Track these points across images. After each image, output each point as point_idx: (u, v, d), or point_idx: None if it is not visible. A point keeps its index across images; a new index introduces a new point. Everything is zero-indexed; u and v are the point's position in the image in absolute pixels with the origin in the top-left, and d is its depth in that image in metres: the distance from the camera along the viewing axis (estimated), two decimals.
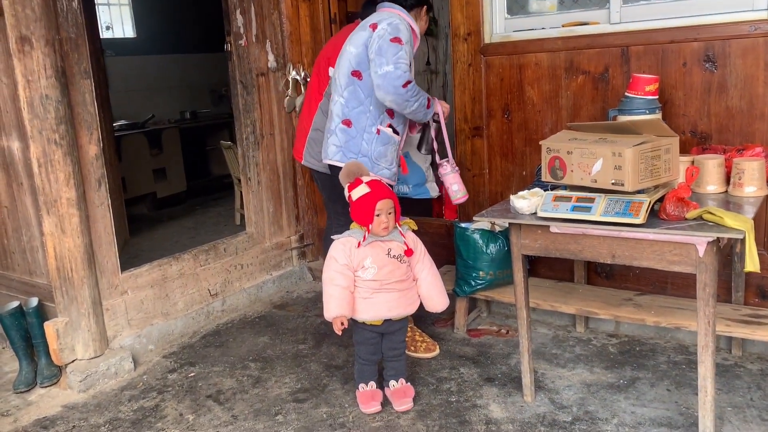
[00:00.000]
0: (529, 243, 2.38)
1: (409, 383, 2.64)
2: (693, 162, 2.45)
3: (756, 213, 2.17)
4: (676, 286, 2.91)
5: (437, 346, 3.00)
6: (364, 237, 2.42)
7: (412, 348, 2.97)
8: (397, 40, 2.61)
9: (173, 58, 7.41)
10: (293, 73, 3.79)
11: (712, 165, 2.39)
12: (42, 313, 3.00)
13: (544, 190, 2.38)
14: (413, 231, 2.57)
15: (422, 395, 2.66)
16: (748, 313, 2.65)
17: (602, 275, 3.12)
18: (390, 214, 2.41)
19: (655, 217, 2.15)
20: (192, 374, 3.01)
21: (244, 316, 3.63)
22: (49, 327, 2.89)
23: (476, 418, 2.48)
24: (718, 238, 2.02)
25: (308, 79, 3.81)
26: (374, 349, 2.59)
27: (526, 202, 2.35)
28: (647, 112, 2.57)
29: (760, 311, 2.66)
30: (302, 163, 3.07)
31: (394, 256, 2.46)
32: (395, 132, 2.79)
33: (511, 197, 2.39)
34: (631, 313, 2.75)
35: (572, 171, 2.23)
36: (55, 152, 2.74)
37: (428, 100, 2.74)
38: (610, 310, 2.79)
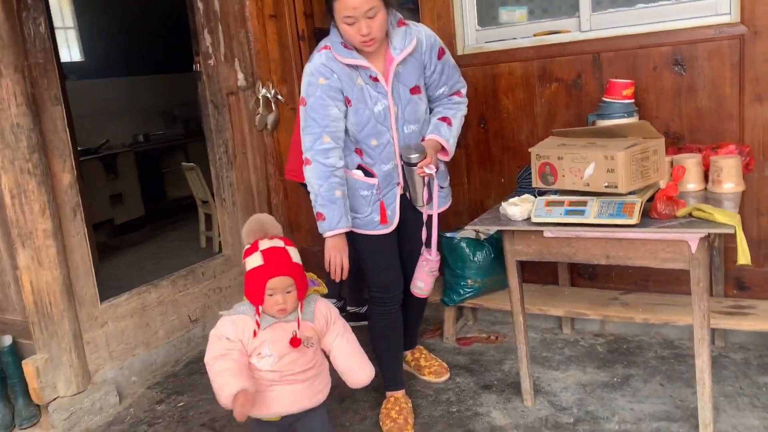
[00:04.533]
0: (523, 249, 2.42)
1: None
2: (672, 162, 2.53)
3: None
4: (657, 282, 3.00)
5: (448, 371, 2.88)
6: (257, 323, 1.91)
7: (418, 371, 2.90)
8: (300, 102, 2.32)
9: (123, 80, 7.25)
10: (263, 90, 3.75)
11: (691, 164, 2.47)
12: (17, 352, 2.87)
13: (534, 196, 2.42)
14: (323, 295, 2.10)
15: (422, 407, 2.65)
16: (730, 304, 2.75)
17: (585, 277, 3.18)
18: (289, 293, 1.92)
19: (646, 216, 2.21)
20: (181, 404, 2.92)
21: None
22: (27, 365, 2.75)
23: (480, 427, 2.49)
24: (709, 233, 2.10)
25: (279, 97, 3.79)
26: None
27: (518, 208, 2.38)
28: (625, 115, 2.65)
29: (741, 302, 2.76)
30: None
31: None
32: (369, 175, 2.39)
33: (503, 204, 2.42)
34: (620, 312, 2.81)
35: (563, 176, 2.27)
36: (28, 182, 2.63)
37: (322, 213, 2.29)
38: (599, 310, 2.85)
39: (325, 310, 2.04)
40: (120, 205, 6.42)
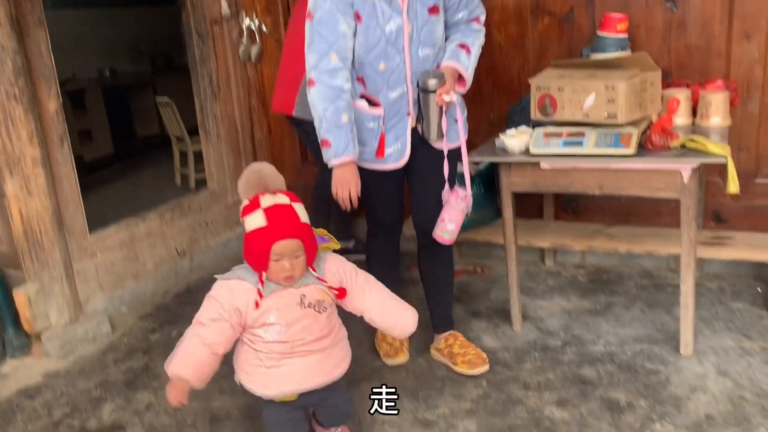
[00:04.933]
0: (519, 180, 2.47)
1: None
2: (662, 96, 2.59)
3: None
4: (639, 216, 3.10)
5: (486, 362, 2.43)
6: (260, 292, 1.70)
7: (450, 360, 2.50)
8: (307, 15, 2.14)
9: (85, 12, 6.93)
10: (247, 21, 3.65)
11: (682, 98, 2.54)
12: (4, 282, 2.84)
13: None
14: (335, 251, 1.89)
15: (415, 333, 2.69)
16: (708, 236, 2.87)
17: (569, 211, 3.27)
18: (297, 257, 1.70)
19: (640, 147, 2.28)
20: (174, 333, 2.94)
21: (213, 273, 3.56)
22: (19, 294, 2.73)
23: None
24: (701, 164, 2.18)
25: (263, 28, 3.71)
26: (296, 428, 1.94)
27: (515, 140, 2.42)
28: (619, 50, 2.69)
29: (718, 233, 2.89)
30: (293, 115, 2.97)
31: (309, 305, 1.76)
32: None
33: (501, 136, 2.46)
34: (604, 243, 2.91)
35: (563, 107, 2.31)
36: (15, 108, 2.56)
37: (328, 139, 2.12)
38: (584, 242, 2.95)
39: (335, 269, 1.84)
40: (89, 142, 6.26)
